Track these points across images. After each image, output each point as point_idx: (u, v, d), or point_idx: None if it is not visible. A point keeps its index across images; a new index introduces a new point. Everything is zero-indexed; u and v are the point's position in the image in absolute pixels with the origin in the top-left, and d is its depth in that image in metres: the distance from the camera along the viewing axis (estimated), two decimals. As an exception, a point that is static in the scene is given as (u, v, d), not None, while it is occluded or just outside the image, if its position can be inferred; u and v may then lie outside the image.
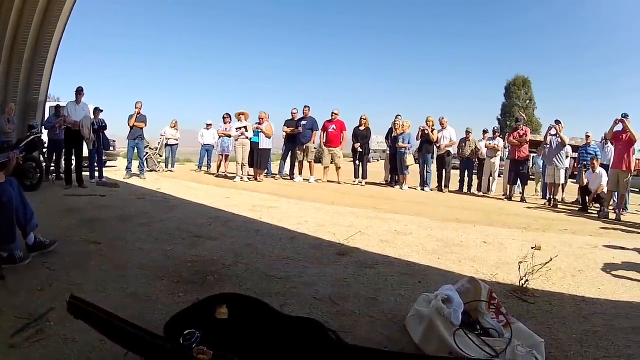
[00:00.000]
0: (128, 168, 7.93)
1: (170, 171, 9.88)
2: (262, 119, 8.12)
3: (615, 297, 2.40)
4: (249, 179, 8.23)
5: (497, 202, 7.21)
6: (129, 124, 7.72)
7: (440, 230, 4.09)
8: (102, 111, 6.91)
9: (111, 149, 9.92)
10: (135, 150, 8.02)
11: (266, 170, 8.97)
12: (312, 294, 2.19)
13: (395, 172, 8.50)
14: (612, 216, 5.85)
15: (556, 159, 6.92)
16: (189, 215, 4.26)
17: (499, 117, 32.84)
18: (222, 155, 9.41)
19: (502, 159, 8.62)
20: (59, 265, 2.44)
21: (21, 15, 7.15)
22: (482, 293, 1.82)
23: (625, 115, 5.74)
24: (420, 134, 8.28)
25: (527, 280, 2.36)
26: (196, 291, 2.14)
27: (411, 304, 1.95)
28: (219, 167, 9.56)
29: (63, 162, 6.65)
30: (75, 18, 8.05)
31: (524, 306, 2.18)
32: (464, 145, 8.39)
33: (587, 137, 7.92)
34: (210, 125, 10.28)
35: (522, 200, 7.39)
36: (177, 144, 10.40)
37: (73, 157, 6.16)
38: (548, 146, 7.13)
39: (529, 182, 8.34)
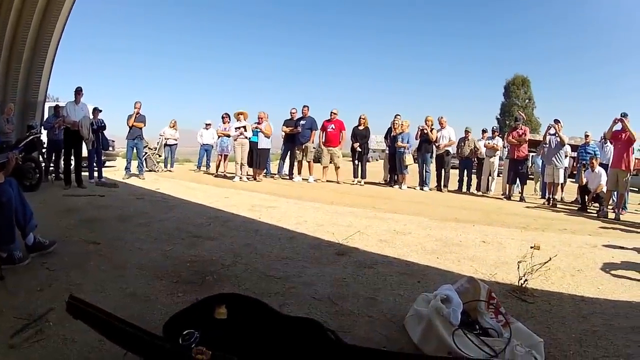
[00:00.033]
0: (127, 168, 7.92)
1: (169, 171, 9.87)
2: (261, 118, 8.11)
3: (615, 297, 2.40)
4: (247, 178, 8.23)
5: (496, 201, 7.22)
6: (128, 124, 7.70)
7: (439, 230, 4.09)
8: (101, 111, 6.90)
9: (110, 149, 9.90)
10: (134, 150, 8.02)
11: (265, 170, 8.98)
12: (311, 294, 2.19)
13: (394, 172, 8.51)
14: (611, 215, 5.85)
15: (555, 158, 6.92)
16: (188, 215, 4.26)
17: (498, 117, 32.87)
18: (221, 155, 9.41)
19: (501, 159, 8.62)
20: (58, 266, 2.43)
21: (20, 15, 7.14)
22: (481, 293, 1.82)
23: (624, 115, 5.74)
24: (419, 133, 8.29)
25: (526, 280, 2.36)
26: (195, 291, 2.14)
27: (410, 303, 1.95)
28: (218, 166, 9.55)
29: (62, 162, 6.65)
30: (75, 18, 8.07)
31: (523, 306, 2.18)
32: (463, 144, 8.40)
33: (586, 136, 7.93)
34: (209, 125, 10.28)
35: (521, 199, 7.40)
36: (176, 144, 10.39)
37: (72, 157, 6.16)
38: (547, 145, 7.13)
39: (528, 181, 8.34)
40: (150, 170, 9.42)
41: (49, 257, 2.56)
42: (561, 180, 7.21)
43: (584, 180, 6.67)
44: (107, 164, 9.51)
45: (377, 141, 25.08)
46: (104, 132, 6.94)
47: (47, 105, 8.19)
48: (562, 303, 2.25)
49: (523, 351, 1.47)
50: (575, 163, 8.51)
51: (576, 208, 6.78)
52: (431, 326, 1.61)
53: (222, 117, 9.38)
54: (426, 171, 8.23)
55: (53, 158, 6.87)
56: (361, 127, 8.48)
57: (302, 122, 8.40)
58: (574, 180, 8.78)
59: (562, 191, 7.94)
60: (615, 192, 6.06)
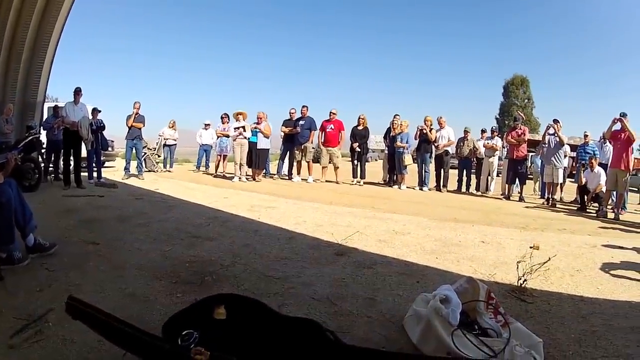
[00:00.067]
0: (126, 168, 7.92)
1: (169, 171, 9.86)
2: (260, 118, 8.11)
3: (614, 297, 2.40)
4: (247, 179, 8.23)
5: (496, 201, 7.22)
6: (127, 124, 7.71)
7: (438, 230, 4.09)
8: (100, 111, 6.89)
9: (109, 149, 9.88)
10: (134, 151, 8.02)
11: (264, 170, 8.98)
12: (310, 294, 2.19)
13: (394, 172, 8.52)
14: (611, 215, 5.86)
15: (554, 158, 6.93)
16: (187, 215, 4.26)
17: (497, 117, 32.95)
18: (220, 155, 9.41)
19: (500, 159, 8.62)
20: (58, 266, 2.43)
21: (19, 15, 7.13)
22: (480, 293, 1.82)
23: (623, 115, 5.74)
24: (418, 133, 8.29)
25: (525, 280, 2.36)
26: (194, 291, 2.14)
27: (409, 304, 1.95)
28: (217, 167, 9.55)
29: (61, 163, 6.64)
30: (74, 18, 8.06)
31: (522, 306, 2.18)
32: (462, 144, 8.40)
33: (586, 136, 7.94)
34: (209, 125, 10.28)
35: (521, 199, 7.40)
36: (175, 144, 10.38)
37: (71, 158, 6.15)
38: (546, 145, 7.14)
39: (527, 181, 8.35)
40: (149, 171, 9.41)
41: (49, 258, 2.56)
42: (560, 180, 7.22)
43: (583, 180, 6.68)
44: (107, 164, 9.49)
45: (376, 141, 25.06)
46: (103, 132, 6.93)
47: (46, 105, 8.17)
48: (562, 303, 2.25)
49: (522, 351, 1.47)
50: (574, 163, 8.52)
51: (575, 208, 6.79)
52: (430, 326, 1.61)
53: (221, 118, 9.38)
54: (425, 171, 8.24)
55: (52, 158, 6.86)
56: (360, 127, 8.48)
57: (301, 122, 8.41)
58: (573, 180, 8.78)
59: (561, 191, 7.95)
60: (615, 192, 6.06)
